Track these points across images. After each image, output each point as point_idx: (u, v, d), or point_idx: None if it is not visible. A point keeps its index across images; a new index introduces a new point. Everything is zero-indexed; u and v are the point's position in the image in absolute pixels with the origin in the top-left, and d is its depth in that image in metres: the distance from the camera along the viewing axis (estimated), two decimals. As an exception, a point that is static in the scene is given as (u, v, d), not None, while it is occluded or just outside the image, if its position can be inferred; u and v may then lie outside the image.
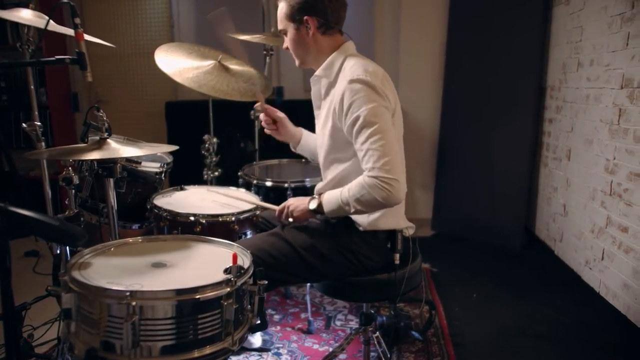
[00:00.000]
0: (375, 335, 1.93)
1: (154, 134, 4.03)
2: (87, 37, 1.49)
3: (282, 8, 1.64)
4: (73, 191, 1.70)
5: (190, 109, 3.90)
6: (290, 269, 1.63)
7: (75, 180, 1.65)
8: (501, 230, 3.56)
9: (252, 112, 2.80)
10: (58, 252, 1.71)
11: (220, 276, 1.20)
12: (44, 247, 2.73)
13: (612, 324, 2.43)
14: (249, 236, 1.92)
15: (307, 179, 2.37)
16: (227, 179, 2.51)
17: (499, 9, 3.53)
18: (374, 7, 4.06)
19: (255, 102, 2.07)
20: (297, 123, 2.03)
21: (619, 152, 2.50)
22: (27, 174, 4.00)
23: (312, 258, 1.62)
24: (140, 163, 2.04)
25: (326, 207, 1.60)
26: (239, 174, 2.51)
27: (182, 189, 2.14)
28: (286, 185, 2.34)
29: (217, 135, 2.63)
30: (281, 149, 2.31)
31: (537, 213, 3.66)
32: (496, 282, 2.96)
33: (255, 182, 2.40)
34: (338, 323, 2.50)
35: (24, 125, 1.79)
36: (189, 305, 1.14)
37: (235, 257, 1.23)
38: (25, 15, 1.72)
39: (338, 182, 1.65)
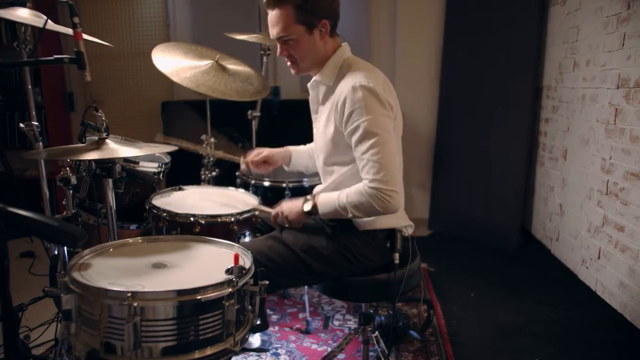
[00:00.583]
0: (375, 335, 1.93)
1: (150, 134, 3.99)
2: (85, 36, 1.48)
3: (285, 13, 1.53)
4: (71, 192, 1.69)
5: (186, 109, 3.88)
6: (290, 272, 1.62)
7: (73, 180, 1.64)
8: (498, 229, 3.57)
9: (249, 111, 2.80)
10: (56, 252, 1.69)
11: (222, 277, 1.19)
12: (40, 248, 2.70)
13: (608, 322, 2.45)
14: (247, 237, 1.91)
15: (305, 179, 2.37)
16: (224, 179, 2.50)
17: (495, 9, 3.54)
18: (370, 8, 4.06)
19: (254, 103, 2.06)
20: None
21: (615, 151, 2.51)
22: (22, 175, 3.98)
23: (311, 260, 1.62)
24: (138, 163, 2.03)
25: (321, 210, 1.59)
26: (237, 174, 2.50)
27: (180, 189, 2.13)
28: (284, 185, 2.34)
29: (215, 135, 2.62)
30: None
31: (533, 212, 3.68)
32: (493, 282, 2.96)
33: (253, 182, 2.40)
34: (336, 323, 2.50)
35: (21, 125, 1.77)
36: (190, 306, 1.13)
37: (237, 258, 1.23)
38: (23, 14, 1.70)
39: (337, 186, 1.65)
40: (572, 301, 2.69)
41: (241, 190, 2.18)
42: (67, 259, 1.64)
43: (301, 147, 2.01)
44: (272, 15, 1.56)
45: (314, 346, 2.28)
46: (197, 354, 1.15)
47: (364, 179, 1.52)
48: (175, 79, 2.14)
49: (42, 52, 3.17)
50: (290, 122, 3.73)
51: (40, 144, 1.80)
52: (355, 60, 1.64)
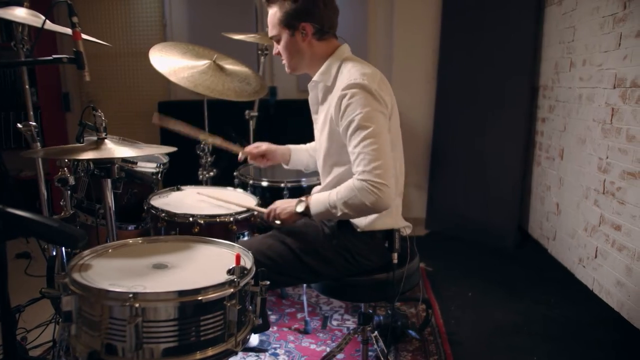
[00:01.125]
0: (374, 334, 1.93)
1: (147, 134, 3.98)
2: (83, 36, 1.47)
3: (274, 14, 1.61)
4: (69, 192, 1.68)
5: (184, 109, 3.87)
6: (288, 270, 1.62)
7: (71, 181, 1.63)
8: (495, 229, 3.58)
9: (247, 111, 2.79)
10: (54, 253, 1.68)
11: (223, 277, 1.19)
12: (36, 249, 2.69)
13: (605, 321, 2.46)
14: (246, 237, 1.91)
15: (303, 179, 2.36)
16: (222, 179, 2.50)
17: (492, 9, 3.55)
18: (368, 8, 4.07)
19: (253, 102, 2.05)
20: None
21: (612, 151, 2.53)
22: (17, 175, 3.95)
23: (310, 259, 1.62)
24: (136, 163, 2.02)
25: (313, 210, 1.58)
26: (235, 174, 2.49)
27: (178, 189, 2.12)
28: (282, 185, 2.33)
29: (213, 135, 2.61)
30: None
31: (530, 212, 3.69)
32: (490, 281, 2.97)
33: (251, 182, 2.39)
34: (335, 323, 2.50)
35: (18, 125, 1.76)
36: (191, 306, 1.13)
37: (238, 258, 1.23)
38: (20, 14, 1.69)
39: (335, 186, 1.63)
40: (570, 300, 2.71)
41: (239, 190, 2.18)
42: (65, 260, 1.63)
43: (301, 146, 2.01)
44: (269, 14, 1.64)
45: (313, 346, 2.28)
46: (198, 355, 1.14)
47: (355, 172, 1.49)
48: (173, 79, 2.13)
49: (38, 52, 3.15)
50: (287, 121, 3.73)
51: (38, 144, 1.79)
52: (353, 59, 1.65)
